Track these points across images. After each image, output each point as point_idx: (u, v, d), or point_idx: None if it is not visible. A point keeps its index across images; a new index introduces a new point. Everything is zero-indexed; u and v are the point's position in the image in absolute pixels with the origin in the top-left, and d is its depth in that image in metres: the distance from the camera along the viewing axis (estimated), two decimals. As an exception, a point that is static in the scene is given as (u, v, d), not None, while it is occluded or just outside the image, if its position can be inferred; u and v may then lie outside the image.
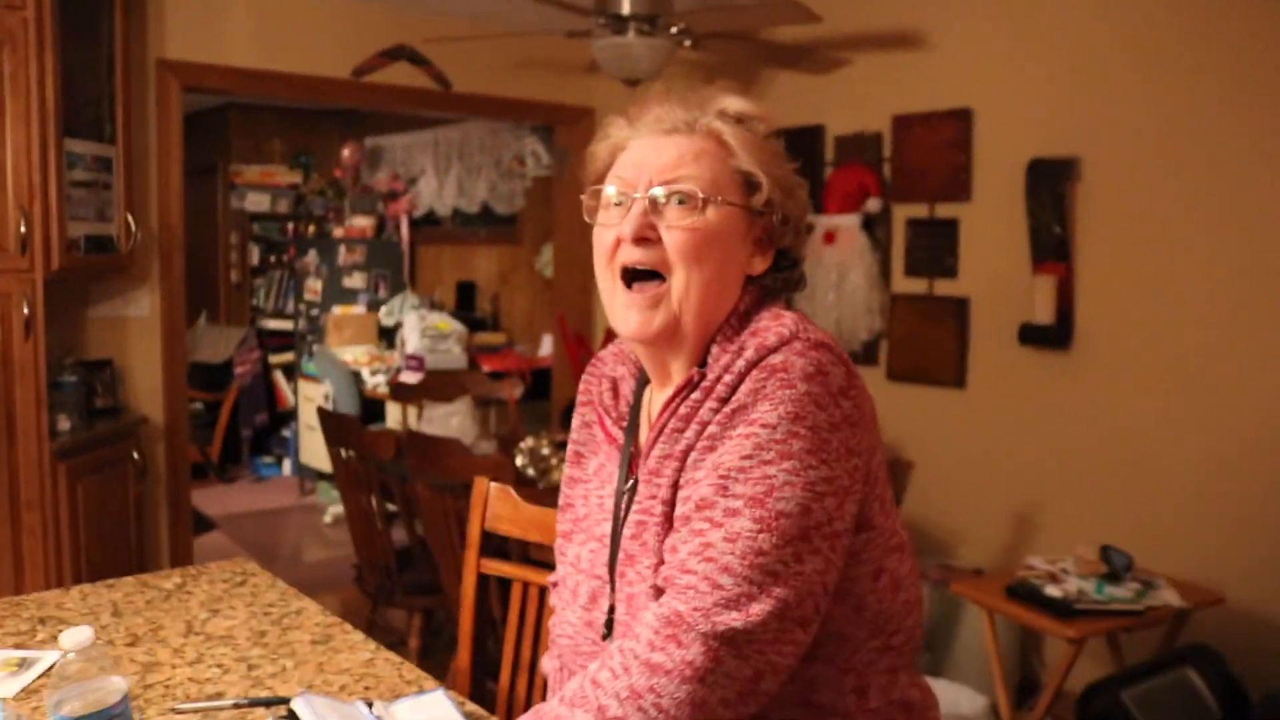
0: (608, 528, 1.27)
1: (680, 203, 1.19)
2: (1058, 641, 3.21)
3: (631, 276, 1.21)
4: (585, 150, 1.33)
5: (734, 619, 1.04)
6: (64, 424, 3.52)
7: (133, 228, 3.76)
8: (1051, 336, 3.51)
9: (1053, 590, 2.83)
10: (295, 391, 7.10)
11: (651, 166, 1.20)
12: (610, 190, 1.23)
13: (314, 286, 6.94)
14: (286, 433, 7.23)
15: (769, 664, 1.07)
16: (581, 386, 1.41)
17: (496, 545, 1.88)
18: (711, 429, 1.14)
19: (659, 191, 1.19)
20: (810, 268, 4.23)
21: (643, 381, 1.34)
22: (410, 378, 5.39)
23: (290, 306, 7.35)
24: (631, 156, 1.23)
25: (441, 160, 6.55)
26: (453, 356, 5.88)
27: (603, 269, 1.24)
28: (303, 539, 5.98)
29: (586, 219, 1.27)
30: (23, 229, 3.20)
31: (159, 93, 3.98)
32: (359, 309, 6.73)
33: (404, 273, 7.05)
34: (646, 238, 1.19)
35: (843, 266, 4.14)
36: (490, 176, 6.25)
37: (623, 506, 1.25)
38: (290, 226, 7.61)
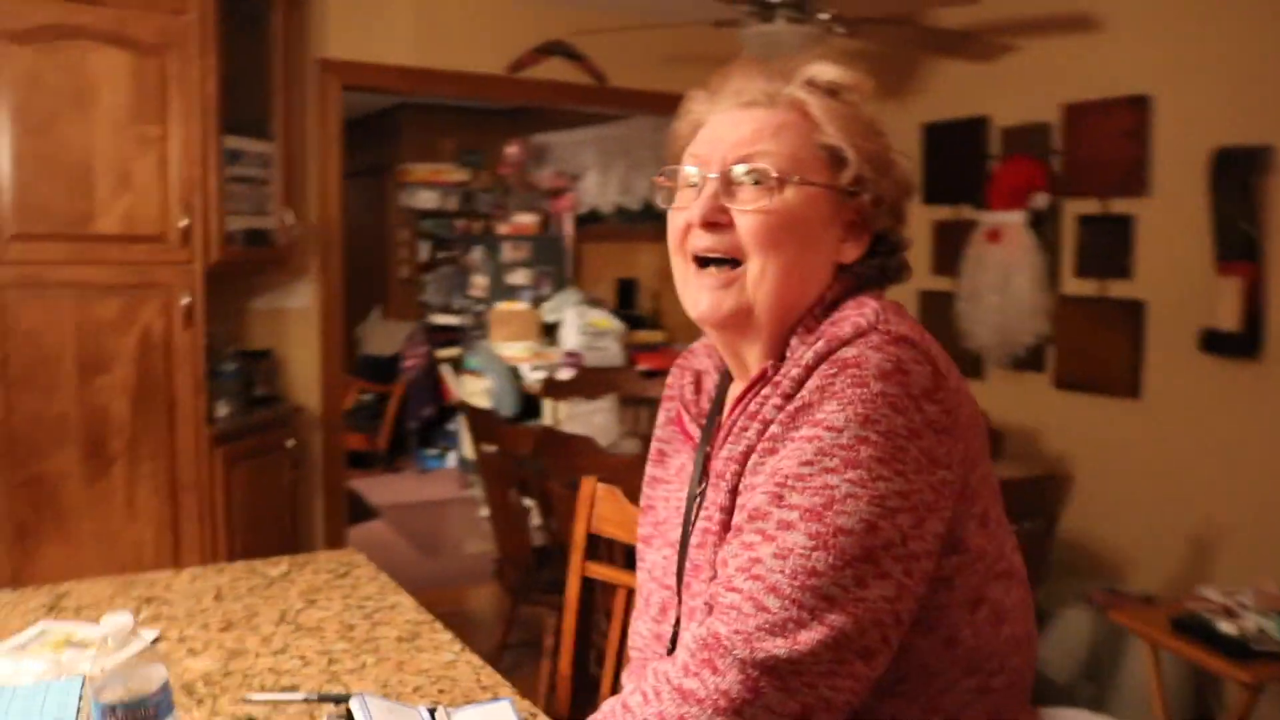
0: (678, 534, 1.18)
1: (755, 182, 1.08)
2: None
3: (705, 262, 1.11)
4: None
5: (777, 646, 0.92)
6: (222, 410, 3.65)
7: (291, 222, 3.88)
8: (1237, 344, 3.20)
9: (1227, 626, 2.56)
10: (461, 386, 7.25)
11: (726, 143, 1.10)
12: (684, 170, 1.13)
13: (479, 282, 7.06)
14: (452, 426, 7.38)
15: (821, 699, 0.93)
16: (669, 380, 1.32)
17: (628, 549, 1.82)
18: (774, 429, 1.02)
19: (735, 170, 1.08)
20: (972, 268, 4.02)
21: (727, 376, 1.23)
22: (566, 374, 5.40)
23: (458, 302, 7.50)
24: (708, 133, 1.13)
25: (605, 157, 6.55)
26: (610, 354, 5.86)
27: (675, 255, 1.15)
28: (460, 531, 6.08)
29: (661, 204, 1.17)
30: (184, 223, 3.33)
31: (319, 91, 4.09)
32: (522, 305, 6.81)
33: (567, 269, 7.09)
34: (717, 222, 1.09)
35: (1007, 266, 3.90)
36: (653, 173, 6.19)
37: (693, 511, 1.15)
38: (459, 224, 7.78)
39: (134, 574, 1.91)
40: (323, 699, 1.38)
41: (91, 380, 3.26)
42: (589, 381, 4.77)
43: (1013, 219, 3.90)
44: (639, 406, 4.47)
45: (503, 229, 7.12)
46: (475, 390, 6.61)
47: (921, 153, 4.40)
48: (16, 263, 3.14)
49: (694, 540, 1.12)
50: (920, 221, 4.50)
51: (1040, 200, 3.84)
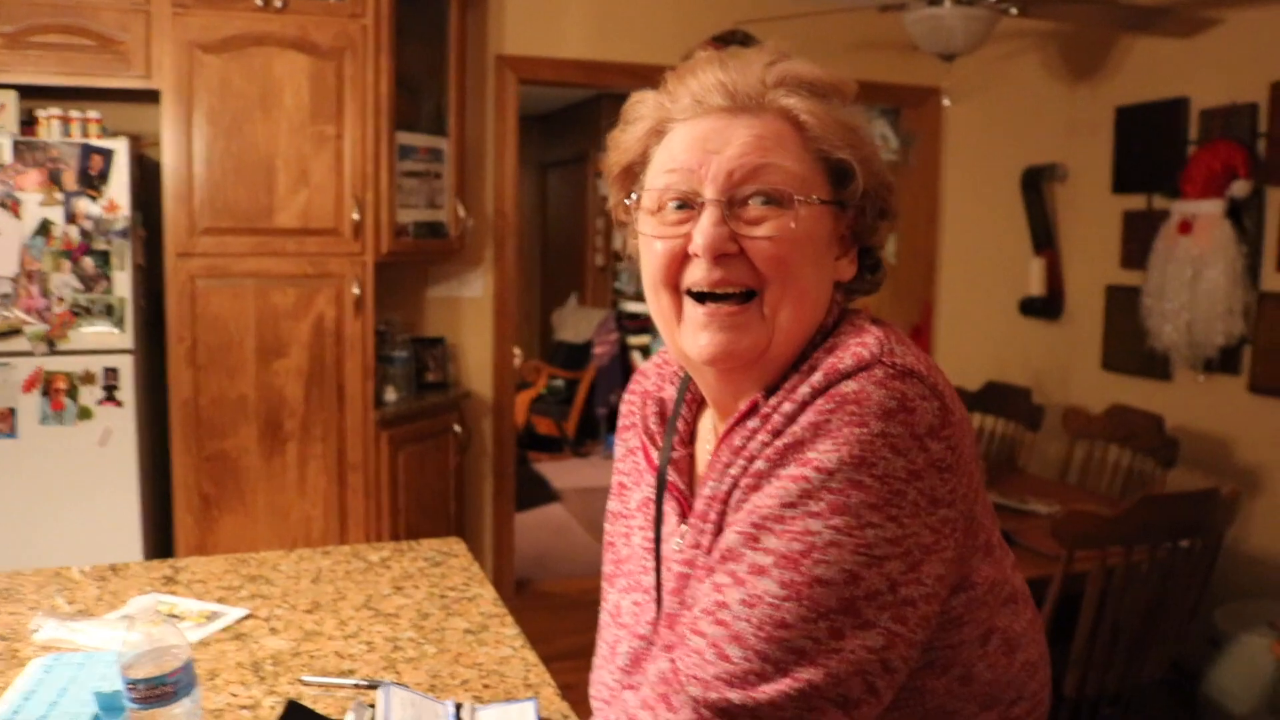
0: (653, 579, 1.09)
1: (765, 203, 0.96)
2: None
3: (702, 295, 0.99)
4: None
5: (734, 694, 0.87)
6: (391, 395, 3.84)
7: (462, 214, 4.02)
8: None
9: None
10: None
11: (723, 157, 0.97)
12: (661, 188, 0.99)
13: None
14: (639, 413, 7.48)
15: None
16: (623, 407, 1.22)
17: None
18: (759, 464, 0.93)
19: (742, 190, 0.96)
20: (1161, 261, 3.74)
21: (686, 400, 1.14)
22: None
23: (648, 291, 7.59)
24: (686, 144, 0.99)
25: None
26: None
27: (658, 288, 1.02)
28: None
29: (619, 225, 1.08)
30: (356, 216, 3.51)
31: (496, 87, 4.22)
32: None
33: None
34: (727, 251, 0.96)
35: (1199, 260, 3.61)
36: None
37: (659, 553, 1.08)
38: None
39: (249, 553, 2.03)
40: (370, 685, 1.44)
41: (269, 364, 3.49)
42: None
43: (1209, 208, 3.61)
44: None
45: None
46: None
47: (1113, 138, 4.13)
48: (206, 254, 3.40)
49: (668, 585, 1.04)
50: (1110, 211, 4.23)
51: (1241, 188, 3.54)
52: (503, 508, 4.47)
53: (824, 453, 0.88)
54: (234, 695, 1.42)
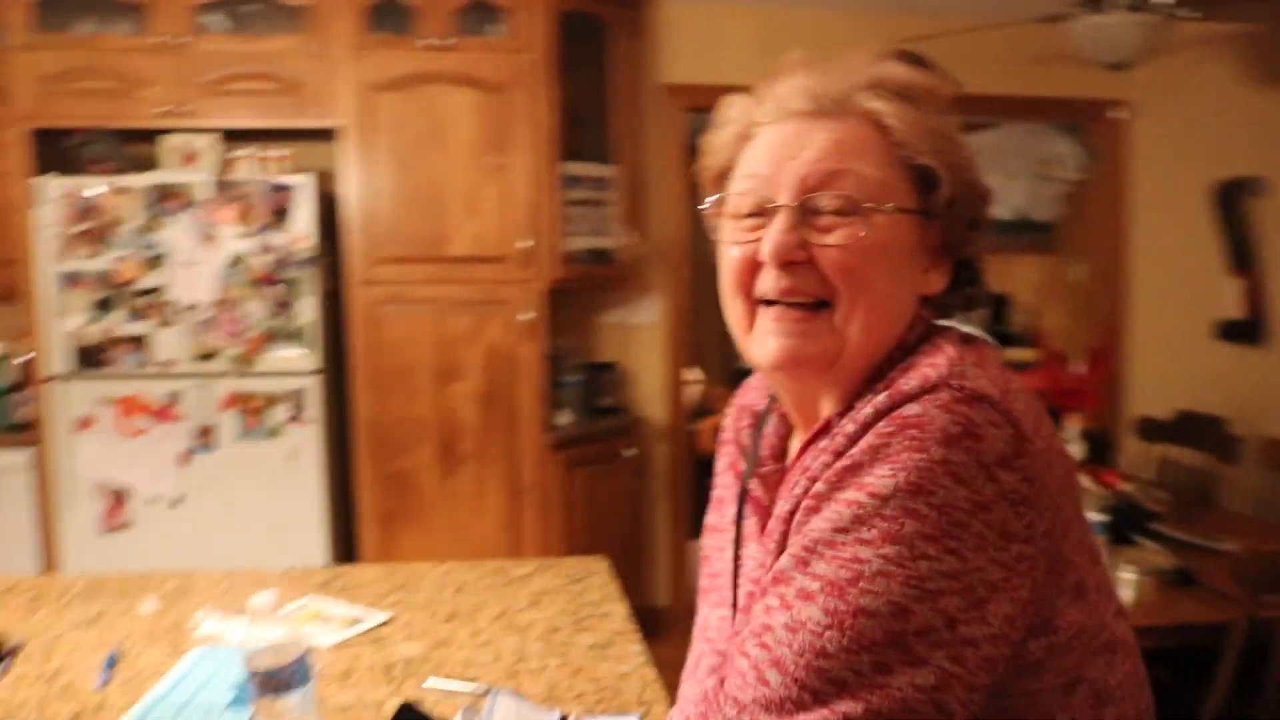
0: (733, 594, 1.08)
1: (839, 211, 0.93)
2: None
3: (772, 300, 0.97)
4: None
5: (769, 718, 0.84)
6: (564, 418, 3.93)
7: (632, 241, 4.08)
8: None
9: None
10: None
11: (798, 162, 0.94)
12: (739, 195, 0.98)
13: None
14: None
15: None
16: (725, 421, 1.20)
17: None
18: (819, 486, 0.89)
19: (816, 198, 0.94)
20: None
21: (778, 413, 1.11)
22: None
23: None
24: (765, 149, 0.97)
25: (982, 167, 6.25)
26: (972, 372, 5.58)
27: (733, 294, 1.00)
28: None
29: (711, 233, 1.04)
30: (525, 244, 3.62)
31: (662, 115, 4.27)
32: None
33: (941, 285, 6.85)
34: (794, 259, 0.94)
35: None
36: (1027, 181, 5.85)
37: (737, 569, 1.07)
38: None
39: (400, 562, 2.11)
40: (488, 693, 1.47)
41: (445, 387, 3.64)
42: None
43: None
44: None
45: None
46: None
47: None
48: (385, 282, 3.58)
49: (740, 602, 1.03)
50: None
51: None
52: (678, 530, 4.48)
53: (880, 478, 0.85)
54: (361, 694, 1.48)
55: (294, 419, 3.41)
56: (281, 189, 3.35)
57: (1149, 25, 2.91)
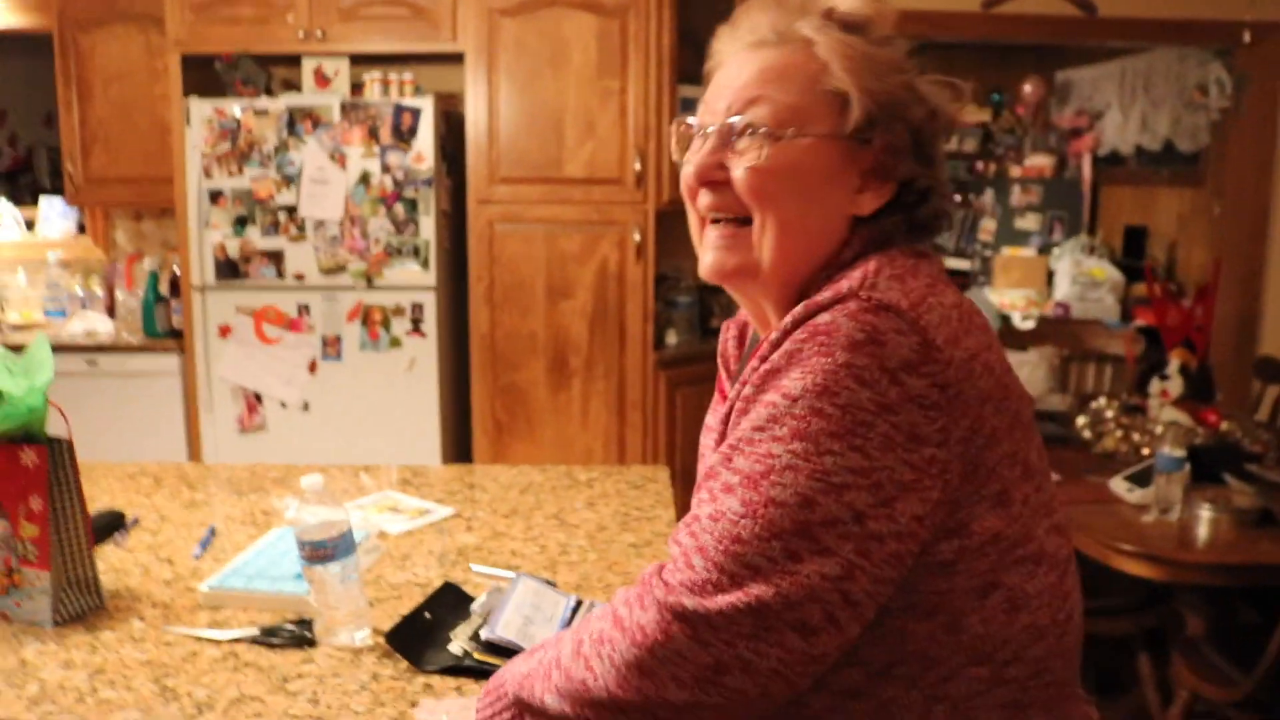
0: None
1: (751, 134, 1.02)
2: None
3: (716, 218, 1.08)
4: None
5: (691, 600, 0.92)
6: (672, 338, 4.04)
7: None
8: None
9: None
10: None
11: (730, 89, 1.05)
12: (692, 120, 1.10)
13: (988, 227, 6.86)
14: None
15: (738, 659, 0.91)
16: (721, 332, 1.32)
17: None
18: (747, 390, 0.98)
19: (735, 120, 1.03)
20: None
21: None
22: (1026, 324, 5.13)
23: (969, 247, 7.35)
24: (718, 77, 1.09)
25: (1127, 93, 5.99)
26: (1104, 307, 5.44)
27: (689, 212, 1.12)
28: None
29: (674, 158, 1.14)
30: (638, 166, 3.72)
31: (786, 39, 4.26)
32: (1028, 251, 6.51)
33: (1082, 214, 6.63)
34: (714, 179, 1.05)
35: None
36: (1175, 109, 5.58)
37: None
38: (979, 165, 7.57)
39: (475, 465, 2.28)
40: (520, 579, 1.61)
41: (557, 304, 3.79)
42: (1050, 333, 4.51)
43: None
44: (1086, 363, 4.14)
45: (1015, 171, 6.82)
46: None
47: None
48: (502, 201, 3.73)
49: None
50: None
51: None
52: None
53: (792, 380, 0.93)
54: (414, 575, 1.65)
55: (413, 331, 3.62)
56: (405, 110, 3.52)
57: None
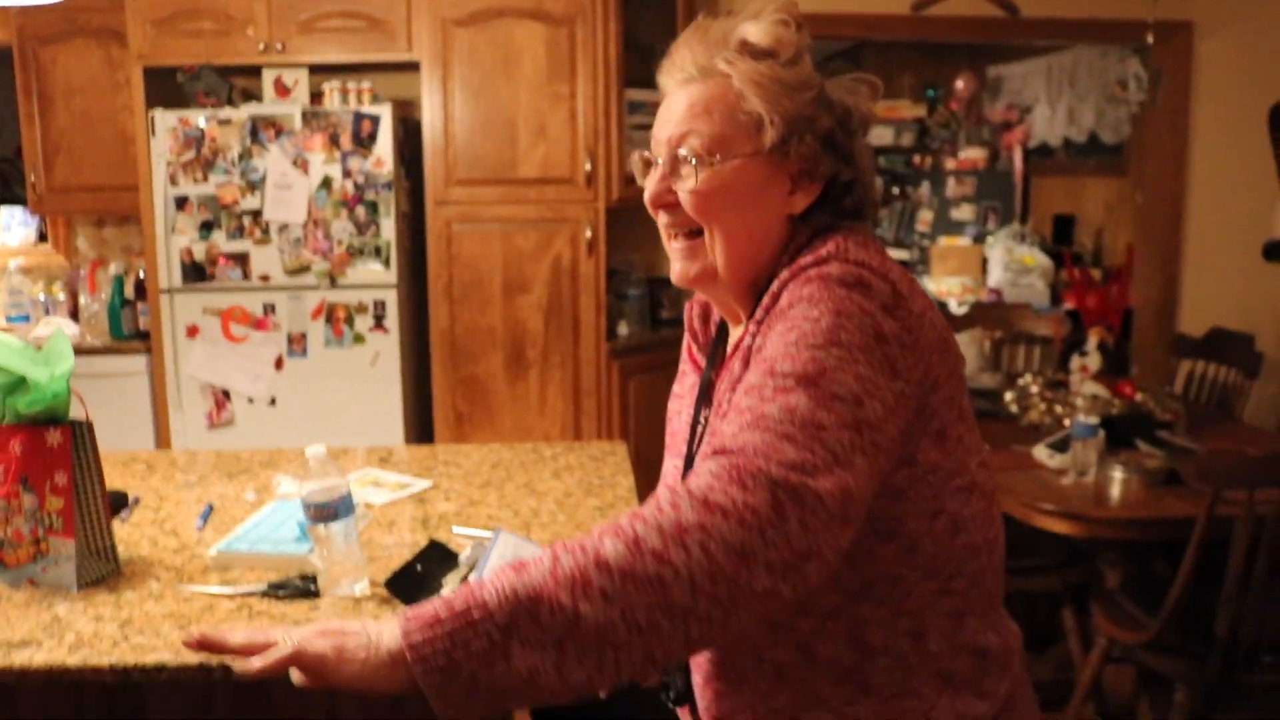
0: (687, 450, 1.33)
1: (692, 163, 1.18)
2: None
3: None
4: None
5: (803, 479, 0.94)
6: (623, 329, 4.24)
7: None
8: None
9: None
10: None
11: (669, 124, 1.21)
12: (646, 153, 1.26)
13: (925, 218, 7.12)
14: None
15: (818, 548, 0.94)
16: (685, 309, 1.46)
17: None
18: (754, 342, 1.11)
19: (679, 152, 1.19)
20: None
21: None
22: (959, 310, 5.38)
23: (907, 238, 7.61)
24: (660, 112, 1.24)
25: (1054, 88, 6.29)
26: (1035, 291, 5.72)
27: (658, 225, 1.28)
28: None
29: (639, 183, 1.29)
30: (588, 166, 3.91)
31: (725, 43, 4.47)
32: (964, 240, 6.79)
33: (1014, 205, 6.93)
34: (667, 202, 1.22)
35: None
36: (1098, 103, 5.87)
37: (696, 433, 1.31)
38: (916, 158, 7.84)
39: (442, 444, 2.45)
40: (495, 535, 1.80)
41: (513, 299, 3.97)
42: (978, 317, 4.75)
43: None
44: (1032, 345, 4.40)
45: (950, 164, 7.10)
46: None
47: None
48: (459, 203, 3.90)
49: (697, 458, 1.20)
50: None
51: None
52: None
53: (806, 309, 1.06)
54: (402, 538, 1.83)
55: (376, 328, 3.79)
56: (364, 118, 3.69)
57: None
